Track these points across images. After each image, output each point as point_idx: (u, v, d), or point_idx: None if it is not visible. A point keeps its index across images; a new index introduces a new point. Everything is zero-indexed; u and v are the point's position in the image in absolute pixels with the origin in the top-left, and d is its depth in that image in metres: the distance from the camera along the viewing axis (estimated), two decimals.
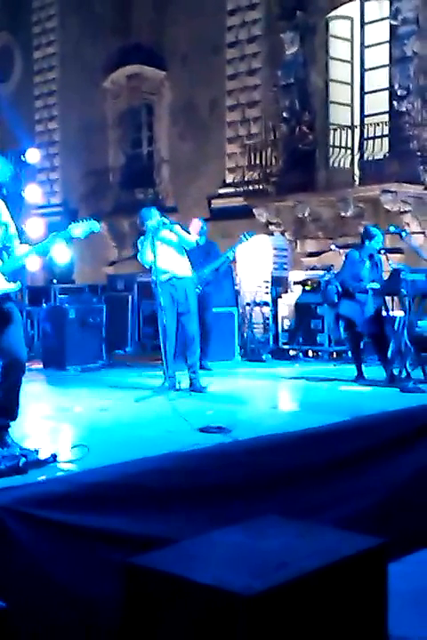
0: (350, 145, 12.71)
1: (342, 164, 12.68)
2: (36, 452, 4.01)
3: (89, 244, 4.73)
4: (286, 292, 10.30)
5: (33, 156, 9.88)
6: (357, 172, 12.66)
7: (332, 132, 12.76)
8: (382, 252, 7.57)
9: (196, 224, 8.68)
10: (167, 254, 6.86)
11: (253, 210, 13.24)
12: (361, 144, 12.43)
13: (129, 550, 2.98)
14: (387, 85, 12.09)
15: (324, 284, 9.12)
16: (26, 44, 17.81)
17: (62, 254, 4.52)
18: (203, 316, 8.46)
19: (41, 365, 8.79)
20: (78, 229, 4.57)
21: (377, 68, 12.49)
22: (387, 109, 12.06)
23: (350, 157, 12.69)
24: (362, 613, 2.66)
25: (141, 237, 7.04)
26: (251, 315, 10.21)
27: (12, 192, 4.56)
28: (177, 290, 6.86)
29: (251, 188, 13.29)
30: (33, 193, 9.84)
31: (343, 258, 7.65)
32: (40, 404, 6.26)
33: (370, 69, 12.69)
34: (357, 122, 12.83)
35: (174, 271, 6.87)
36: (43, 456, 3.97)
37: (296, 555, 2.60)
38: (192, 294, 7.02)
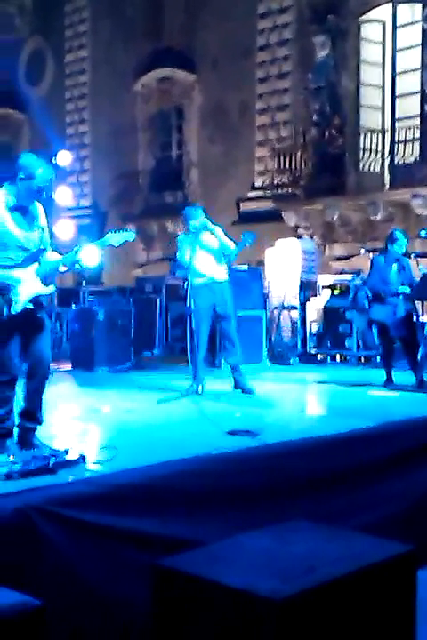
0: (380, 149, 12.64)
1: (372, 168, 12.62)
2: (66, 452, 4.04)
3: (116, 246, 4.77)
4: (315, 295, 10.26)
5: (64, 158, 9.95)
6: (387, 175, 12.59)
7: (362, 135, 12.71)
8: (412, 256, 7.53)
9: None
10: (206, 258, 6.82)
11: (282, 213, 13.22)
12: (392, 148, 12.36)
13: (157, 552, 2.99)
14: (419, 89, 12.01)
15: (353, 289, 9.09)
16: (57, 48, 17.97)
17: (92, 257, 4.55)
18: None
19: (69, 366, 8.86)
20: (114, 239, 4.63)
21: (409, 71, 12.41)
22: (418, 113, 11.98)
23: (380, 161, 12.63)
24: (390, 620, 2.64)
25: (182, 235, 6.99)
26: (279, 318, 10.19)
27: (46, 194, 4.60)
28: (215, 293, 6.79)
29: (280, 191, 13.28)
30: (63, 195, 9.92)
31: (370, 263, 7.61)
32: (69, 404, 6.30)
33: (402, 73, 12.61)
34: (387, 125, 12.76)
35: (213, 275, 6.82)
36: (72, 457, 4.00)
37: (325, 559, 2.58)
38: (231, 297, 6.94)
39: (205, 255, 6.82)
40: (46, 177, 4.40)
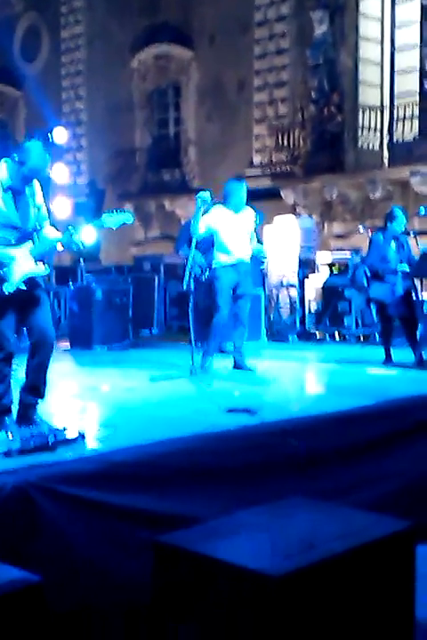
0: (379, 126, 12.59)
1: (370, 146, 12.57)
2: (64, 430, 4.04)
3: (114, 228, 4.74)
4: (313, 273, 10.24)
5: (60, 135, 9.92)
6: (386, 153, 12.54)
7: (361, 112, 12.65)
8: (411, 234, 7.50)
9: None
10: (238, 237, 6.61)
11: (281, 191, 13.17)
12: (391, 125, 12.31)
13: (156, 529, 2.99)
14: (418, 66, 11.93)
15: (352, 268, 9.07)
16: (53, 24, 17.82)
17: (89, 235, 4.52)
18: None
19: (68, 345, 8.85)
20: (112, 220, 4.59)
21: (408, 47, 12.32)
22: (417, 90, 11.91)
23: (379, 139, 12.58)
24: (390, 596, 2.65)
25: (216, 205, 6.71)
26: (277, 296, 10.18)
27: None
28: (240, 273, 6.60)
29: (278, 169, 13.23)
30: (60, 173, 9.90)
31: (368, 241, 7.59)
32: (67, 382, 6.29)
33: (401, 49, 12.52)
34: (386, 103, 12.70)
35: (241, 256, 6.61)
36: (70, 434, 4.00)
37: (323, 536, 2.59)
38: (251, 278, 6.83)
39: (239, 234, 6.61)
40: (40, 166, 4.37)
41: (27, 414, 4.39)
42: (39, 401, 4.45)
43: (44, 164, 4.43)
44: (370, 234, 7.80)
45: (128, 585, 3.19)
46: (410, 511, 3.92)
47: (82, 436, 4.01)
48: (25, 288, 4.32)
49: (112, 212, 4.67)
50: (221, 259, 6.62)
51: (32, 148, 4.34)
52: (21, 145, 4.39)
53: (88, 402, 5.55)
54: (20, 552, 3.00)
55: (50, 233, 4.51)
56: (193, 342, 6.49)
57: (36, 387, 4.41)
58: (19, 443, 3.72)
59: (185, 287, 6.78)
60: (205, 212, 7.59)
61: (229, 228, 6.60)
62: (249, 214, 6.75)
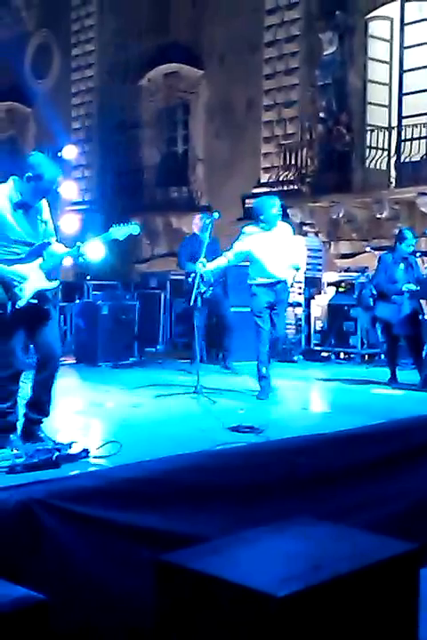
0: (386, 146, 12.60)
1: (378, 166, 12.58)
2: (69, 446, 4.04)
3: (123, 240, 4.77)
4: (320, 293, 10.24)
5: (70, 152, 9.96)
6: (393, 173, 12.55)
7: (369, 133, 12.67)
8: (418, 254, 7.52)
9: (197, 220, 8.57)
10: (273, 255, 6.49)
11: (288, 210, 13.14)
12: (398, 146, 12.32)
13: (160, 547, 2.99)
14: (426, 87, 11.96)
15: (358, 287, 9.07)
16: (64, 42, 17.95)
17: (96, 251, 4.54)
18: (223, 315, 8.39)
19: (73, 361, 8.85)
20: (119, 232, 4.61)
21: (416, 68, 12.36)
22: (425, 111, 11.94)
23: (386, 159, 12.59)
24: (393, 618, 2.63)
25: (250, 225, 6.69)
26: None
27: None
28: (277, 292, 6.50)
29: (286, 188, 13.24)
30: (69, 189, 9.92)
31: (377, 261, 7.60)
32: (72, 398, 6.30)
33: (409, 71, 12.56)
34: (394, 123, 12.72)
35: (277, 274, 6.50)
36: (75, 451, 4.00)
37: (328, 557, 2.58)
38: (287, 295, 6.80)
39: (273, 252, 6.48)
40: (54, 178, 4.40)
41: (31, 430, 4.40)
42: (43, 419, 4.45)
43: (57, 176, 4.46)
44: (376, 254, 7.82)
45: (131, 604, 3.17)
46: (415, 532, 3.90)
47: (86, 453, 4.01)
48: (35, 302, 4.34)
49: (119, 224, 4.70)
50: (256, 278, 6.55)
51: (42, 162, 4.36)
52: (30, 160, 4.39)
53: (92, 418, 5.55)
54: (22, 568, 2.99)
55: (57, 248, 4.53)
56: (197, 359, 6.49)
57: (40, 403, 4.42)
58: (23, 458, 3.72)
59: (191, 303, 6.79)
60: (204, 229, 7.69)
61: (262, 246, 6.50)
62: (283, 230, 6.66)
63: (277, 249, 6.52)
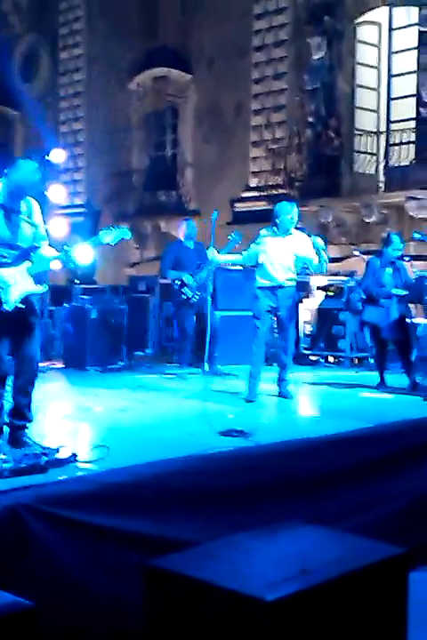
0: (375, 151, 12.66)
1: (366, 170, 12.63)
2: (57, 450, 4.02)
3: (111, 245, 4.76)
4: (308, 297, 10.24)
5: (58, 156, 9.91)
6: (382, 178, 12.60)
7: (357, 137, 12.72)
8: (407, 259, 7.53)
9: (182, 226, 8.62)
10: (280, 260, 6.55)
11: None
12: (387, 150, 12.38)
13: (149, 552, 2.97)
14: (414, 92, 12.02)
15: (347, 291, 9.08)
16: (52, 45, 17.93)
17: (85, 255, 4.53)
18: (209, 320, 8.40)
19: (62, 365, 8.82)
20: (109, 237, 4.60)
21: (404, 74, 12.42)
22: (413, 116, 11.99)
23: (375, 163, 12.64)
24: (383, 622, 2.63)
25: (266, 230, 6.75)
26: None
27: (36, 192, 4.59)
28: (278, 298, 6.55)
29: (274, 192, 13.26)
30: (57, 193, 9.88)
31: (365, 265, 7.62)
32: (61, 403, 6.28)
33: (397, 75, 12.62)
34: (383, 128, 12.77)
35: (280, 280, 6.56)
36: (63, 455, 3.98)
37: (317, 561, 2.57)
38: (292, 305, 6.82)
39: (280, 257, 6.56)
40: (23, 181, 4.38)
41: (16, 436, 4.38)
42: (28, 424, 4.44)
43: (31, 182, 4.43)
44: (365, 258, 7.84)
45: (119, 609, 3.16)
46: (404, 536, 3.90)
47: (74, 457, 3.99)
48: (23, 307, 4.32)
49: (109, 228, 4.69)
50: (259, 281, 6.62)
51: (22, 166, 4.36)
52: (14, 162, 4.41)
53: (81, 422, 5.53)
54: (10, 573, 2.97)
55: (47, 252, 4.52)
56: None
57: (21, 410, 4.41)
58: (11, 463, 3.70)
59: (192, 296, 7.29)
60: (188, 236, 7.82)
61: (271, 250, 6.57)
62: (297, 238, 6.68)
63: (285, 255, 6.59)
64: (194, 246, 8.44)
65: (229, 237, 7.46)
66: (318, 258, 6.63)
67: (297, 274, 6.84)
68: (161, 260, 8.90)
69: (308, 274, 10.75)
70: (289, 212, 6.67)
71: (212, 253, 6.91)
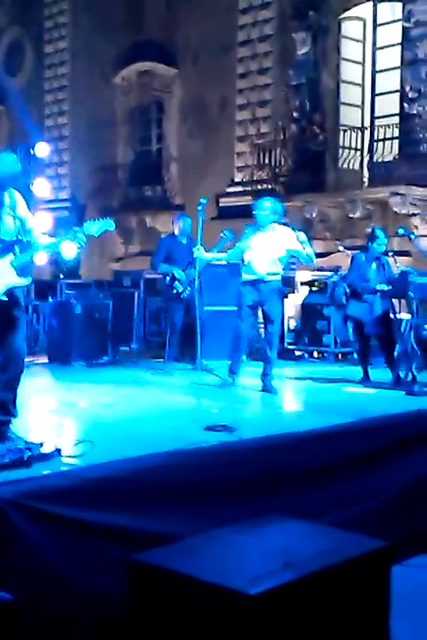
0: (359, 146, 12.68)
1: (351, 166, 12.65)
2: (41, 445, 4.01)
3: (96, 239, 4.75)
4: (293, 292, 10.26)
5: (42, 150, 9.89)
6: (366, 173, 12.63)
7: (342, 133, 12.73)
8: (390, 254, 7.57)
9: (179, 222, 8.63)
10: (262, 255, 6.66)
11: None
12: (371, 146, 12.40)
13: (133, 546, 2.97)
14: (398, 87, 12.05)
15: (331, 285, 9.11)
16: (37, 39, 17.81)
17: (70, 249, 4.52)
18: (196, 315, 8.41)
19: (46, 360, 8.79)
20: (93, 227, 4.59)
21: (389, 69, 12.45)
22: (398, 112, 12.03)
23: (359, 159, 12.67)
24: (365, 615, 2.65)
25: (249, 227, 6.86)
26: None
27: (20, 186, 4.57)
28: (261, 292, 6.68)
29: (259, 187, 13.25)
30: (41, 187, 9.85)
31: (350, 260, 7.65)
32: (45, 397, 6.26)
33: (381, 71, 12.65)
34: (367, 123, 12.79)
35: (261, 274, 6.67)
36: (47, 450, 3.97)
37: (300, 555, 2.59)
38: (278, 301, 6.92)
39: (262, 252, 6.66)
40: (5, 171, 4.36)
41: (0, 431, 4.37)
42: (12, 419, 4.42)
43: (12, 174, 4.41)
44: (349, 254, 7.87)
45: (103, 601, 3.16)
46: (386, 531, 3.93)
47: (58, 452, 3.99)
48: (6, 299, 4.31)
49: (94, 220, 4.69)
50: (243, 276, 6.78)
51: (1, 158, 4.35)
52: None
53: (65, 417, 5.52)
54: None
55: (43, 240, 4.51)
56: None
57: (6, 405, 4.39)
58: None
59: (183, 290, 7.51)
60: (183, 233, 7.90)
61: (254, 245, 6.70)
62: (279, 233, 6.77)
63: (268, 249, 6.68)
64: (187, 242, 8.45)
65: (221, 235, 7.51)
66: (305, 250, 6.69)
67: (283, 268, 6.88)
68: (153, 254, 8.87)
69: (293, 268, 10.83)
70: (264, 207, 6.78)
71: (198, 251, 6.97)
